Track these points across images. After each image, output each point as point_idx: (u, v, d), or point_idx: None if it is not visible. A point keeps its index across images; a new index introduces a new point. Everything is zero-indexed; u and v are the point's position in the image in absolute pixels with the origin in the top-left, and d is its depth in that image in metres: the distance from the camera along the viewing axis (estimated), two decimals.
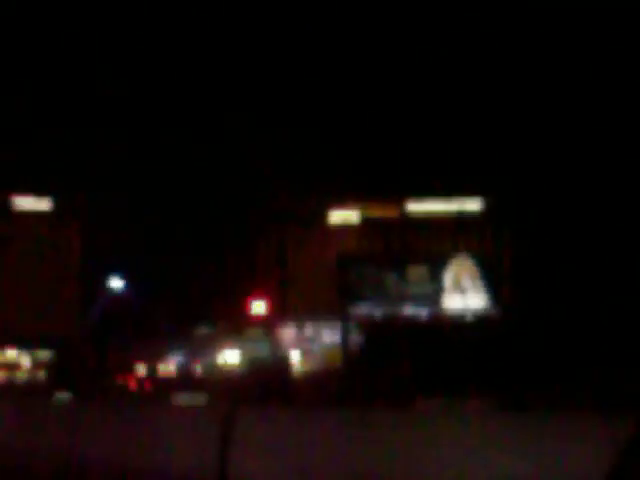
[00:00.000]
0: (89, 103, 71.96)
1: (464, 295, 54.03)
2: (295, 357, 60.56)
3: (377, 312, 54.41)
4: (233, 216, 63.47)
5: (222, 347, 57.83)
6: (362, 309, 55.03)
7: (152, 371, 55.78)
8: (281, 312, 62.35)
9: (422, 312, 53.80)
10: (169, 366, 55.98)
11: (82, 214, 65.26)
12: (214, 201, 64.70)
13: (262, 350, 57.45)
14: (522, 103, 69.00)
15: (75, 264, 65.72)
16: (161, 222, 64.42)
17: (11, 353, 60.38)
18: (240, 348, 56.84)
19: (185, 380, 53.78)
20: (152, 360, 55.19)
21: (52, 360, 59.37)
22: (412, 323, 53.11)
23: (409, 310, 53.73)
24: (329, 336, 59.43)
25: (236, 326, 59.95)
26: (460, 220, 63.94)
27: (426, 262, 55.57)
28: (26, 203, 66.88)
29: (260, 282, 63.77)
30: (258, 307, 61.25)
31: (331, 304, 59.16)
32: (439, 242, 62.55)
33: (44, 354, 59.89)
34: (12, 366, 59.07)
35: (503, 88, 69.48)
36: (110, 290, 62.43)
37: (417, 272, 55.79)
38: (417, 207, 64.65)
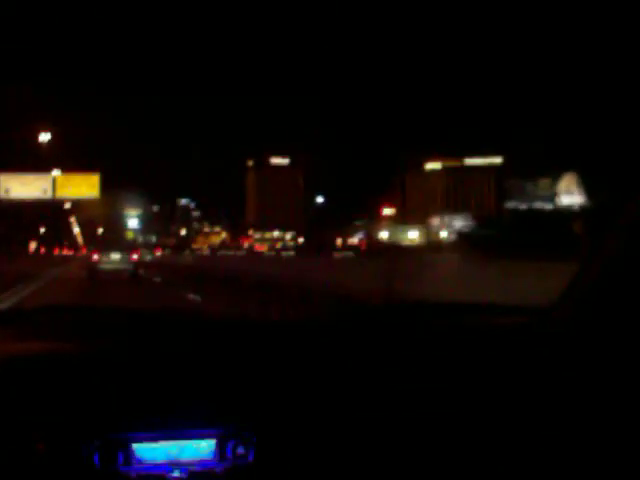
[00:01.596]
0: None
1: (572, 195, 66.30)
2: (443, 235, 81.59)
3: (519, 207, 71.21)
4: (383, 167, 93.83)
5: (378, 230, 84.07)
6: (509, 205, 74.25)
7: (345, 242, 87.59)
8: (402, 214, 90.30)
9: (545, 206, 68.23)
10: (354, 240, 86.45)
11: (305, 166, 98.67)
12: (374, 157, 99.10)
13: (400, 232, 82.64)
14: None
15: (300, 191, 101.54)
16: (342, 174, 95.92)
17: (274, 233, 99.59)
18: (386, 230, 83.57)
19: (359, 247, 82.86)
20: (345, 236, 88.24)
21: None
22: (537, 211, 66.22)
23: (538, 205, 69.18)
24: (460, 222, 76.24)
25: (378, 220, 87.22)
26: (488, 169, 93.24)
27: (548, 176, 72.15)
28: (278, 160, 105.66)
29: (389, 199, 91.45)
30: (387, 210, 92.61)
31: (433, 212, 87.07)
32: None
33: (290, 234, 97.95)
34: (275, 239, 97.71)
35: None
36: (316, 204, 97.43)
37: (544, 182, 73.34)
38: (469, 161, 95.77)
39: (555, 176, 74.01)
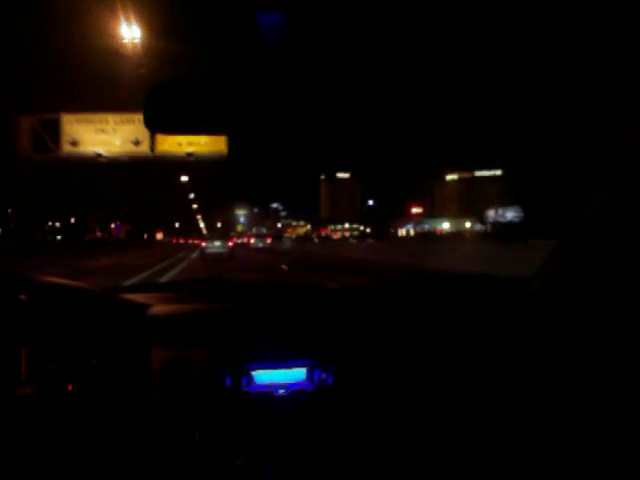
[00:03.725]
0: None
1: None
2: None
3: None
4: (414, 179, 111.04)
5: (420, 223, 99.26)
6: None
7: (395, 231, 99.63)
8: (432, 211, 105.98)
9: None
10: (403, 230, 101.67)
11: (361, 179, 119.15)
12: (408, 171, 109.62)
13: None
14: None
15: (359, 196, 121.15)
16: (385, 184, 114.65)
17: (345, 225, 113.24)
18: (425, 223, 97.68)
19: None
20: (395, 227, 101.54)
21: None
22: None
23: None
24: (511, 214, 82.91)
25: (409, 216, 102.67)
26: (494, 179, 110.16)
27: None
28: (342, 174, 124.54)
29: (417, 201, 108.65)
30: (415, 209, 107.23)
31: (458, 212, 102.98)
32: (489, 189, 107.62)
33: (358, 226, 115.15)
34: (345, 230, 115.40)
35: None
36: (368, 205, 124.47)
37: None
38: (477, 173, 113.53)
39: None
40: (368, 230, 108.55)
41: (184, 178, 45.41)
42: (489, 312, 1.97)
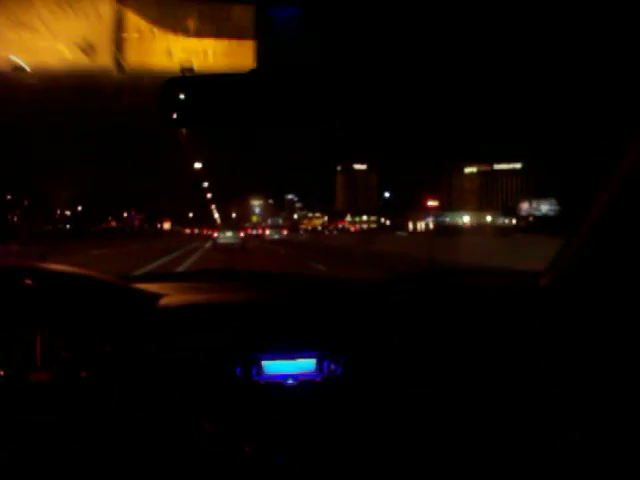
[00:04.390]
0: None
1: None
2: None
3: None
4: (433, 171, 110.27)
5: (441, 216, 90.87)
6: None
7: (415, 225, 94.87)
8: (444, 205, 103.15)
9: None
10: (422, 224, 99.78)
11: (378, 171, 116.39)
12: (426, 164, 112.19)
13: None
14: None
15: (375, 188, 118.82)
16: (403, 176, 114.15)
17: (363, 217, 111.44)
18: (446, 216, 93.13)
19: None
20: (415, 220, 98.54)
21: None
22: None
23: None
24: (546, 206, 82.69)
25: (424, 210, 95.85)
26: (513, 172, 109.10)
27: None
28: (358, 166, 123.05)
29: (434, 193, 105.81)
30: (431, 202, 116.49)
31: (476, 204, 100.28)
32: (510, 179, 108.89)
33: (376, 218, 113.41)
34: (363, 222, 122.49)
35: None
36: (385, 197, 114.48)
37: None
38: (496, 166, 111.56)
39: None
40: (388, 222, 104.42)
41: (197, 165, 42.98)
42: (498, 306, 1.92)
